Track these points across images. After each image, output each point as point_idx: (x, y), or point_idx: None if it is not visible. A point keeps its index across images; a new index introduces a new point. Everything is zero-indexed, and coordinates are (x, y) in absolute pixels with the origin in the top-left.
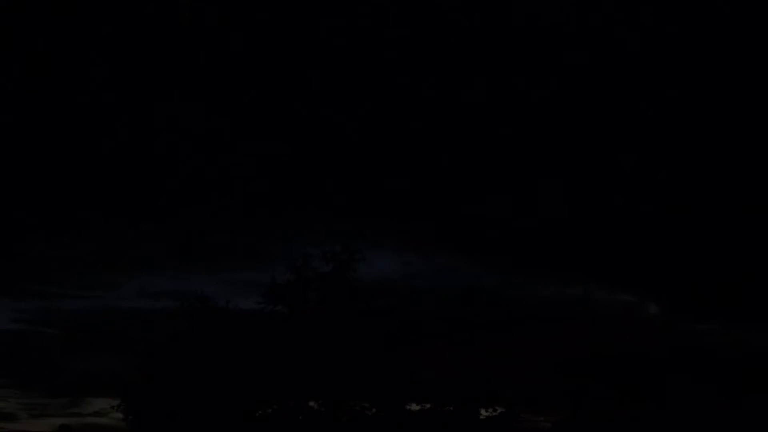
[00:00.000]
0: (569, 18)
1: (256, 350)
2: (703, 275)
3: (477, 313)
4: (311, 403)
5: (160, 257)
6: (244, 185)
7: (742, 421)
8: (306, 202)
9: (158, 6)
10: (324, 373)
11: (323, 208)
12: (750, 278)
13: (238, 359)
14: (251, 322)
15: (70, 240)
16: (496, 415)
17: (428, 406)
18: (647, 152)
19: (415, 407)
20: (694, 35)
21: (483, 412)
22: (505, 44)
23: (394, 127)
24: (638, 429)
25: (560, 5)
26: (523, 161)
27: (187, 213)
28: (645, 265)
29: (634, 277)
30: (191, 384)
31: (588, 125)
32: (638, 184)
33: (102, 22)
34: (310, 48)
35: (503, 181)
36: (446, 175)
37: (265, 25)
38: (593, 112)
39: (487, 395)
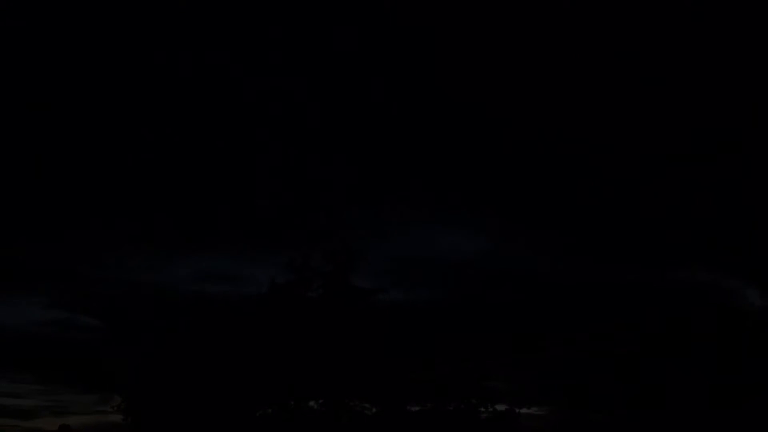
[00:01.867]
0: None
1: (256, 350)
2: None
3: (559, 298)
4: (311, 403)
5: (217, 236)
6: (313, 164)
7: None
8: (385, 187)
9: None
10: (324, 373)
11: (405, 193)
12: None
13: (238, 359)
14: (251, 322)
15: (114, 216)
16: (496, 415)
17: (428, 406)
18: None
19: (415, 407)
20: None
21: (483, 411)
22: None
23: (489, 115)
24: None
25: None
26: (627, 144)
27: (250, 188)
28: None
29: (739, 262)
30: (191, 384)
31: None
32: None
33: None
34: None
35: (608, 163)
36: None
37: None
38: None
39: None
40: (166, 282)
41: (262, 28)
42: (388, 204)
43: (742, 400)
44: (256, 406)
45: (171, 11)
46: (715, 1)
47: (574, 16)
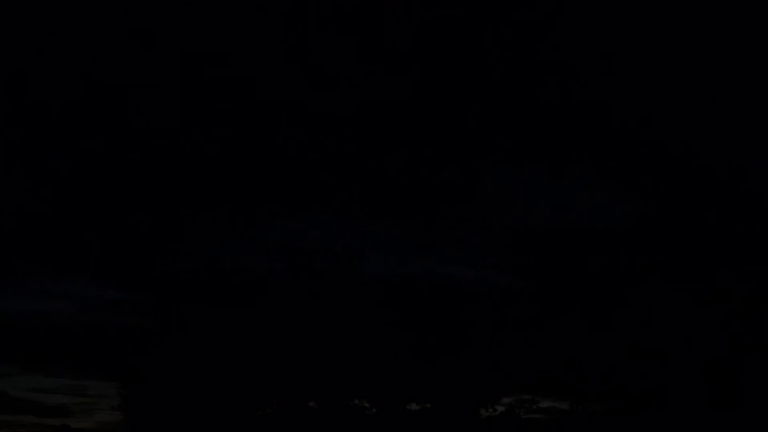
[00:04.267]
0: None
1: (256, 349)
2: None
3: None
4: (311, 403)
5: (302, 201)
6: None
7: None
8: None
9: None
10: (324, 372)
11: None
12: None
13: (238, 358)
14: (251, 321)
15: (177, 180)
16: (496, 415)
17: (428, 406)
18: None
19: (415, 407)
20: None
21: (483, 412)
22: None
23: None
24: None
25: None
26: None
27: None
28: None
29: None
30: (190, 383)
31: None
32: None
33: None
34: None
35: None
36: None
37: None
38: None
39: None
40: (250, 255)
41: None
42: (519, 165)
43: None
44: (256, 406)
45: None
46: None
47: None
